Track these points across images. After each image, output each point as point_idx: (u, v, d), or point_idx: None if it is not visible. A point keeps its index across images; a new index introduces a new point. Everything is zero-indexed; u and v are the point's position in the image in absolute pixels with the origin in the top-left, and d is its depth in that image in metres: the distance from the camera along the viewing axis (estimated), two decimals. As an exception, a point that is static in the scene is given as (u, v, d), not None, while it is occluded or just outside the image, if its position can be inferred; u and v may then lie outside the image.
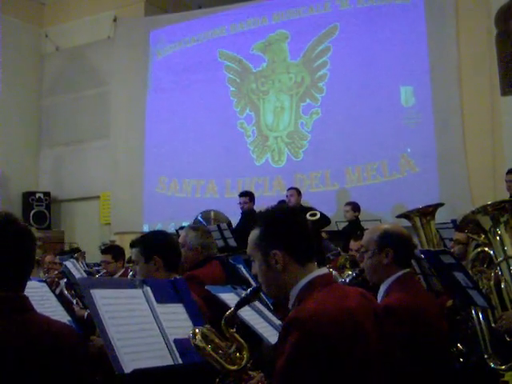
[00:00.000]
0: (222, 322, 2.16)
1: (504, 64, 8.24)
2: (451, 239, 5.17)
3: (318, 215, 8.07)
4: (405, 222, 5.08)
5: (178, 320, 2.41)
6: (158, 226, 10.22)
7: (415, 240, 4.47)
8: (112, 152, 11.68)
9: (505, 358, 3.26)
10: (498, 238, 3.38)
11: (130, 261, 5.81)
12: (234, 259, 4.44)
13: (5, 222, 1.81)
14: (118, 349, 2.09)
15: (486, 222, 3.42)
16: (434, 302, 3.30)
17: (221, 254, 7.04)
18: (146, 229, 10.60)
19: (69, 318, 3.65)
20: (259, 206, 8.69)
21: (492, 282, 3.52)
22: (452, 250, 4.53)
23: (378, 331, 2.07)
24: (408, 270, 2.98)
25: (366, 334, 1.99)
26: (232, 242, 7.80)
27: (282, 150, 9.99)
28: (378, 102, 9.12)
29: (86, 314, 4.65)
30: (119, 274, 5.57)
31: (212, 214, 9.20)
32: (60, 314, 3.60)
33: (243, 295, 2.25)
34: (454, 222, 5.60)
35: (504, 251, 3.35)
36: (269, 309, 3.34)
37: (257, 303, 3.11)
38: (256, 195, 8.91)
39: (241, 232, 7.97)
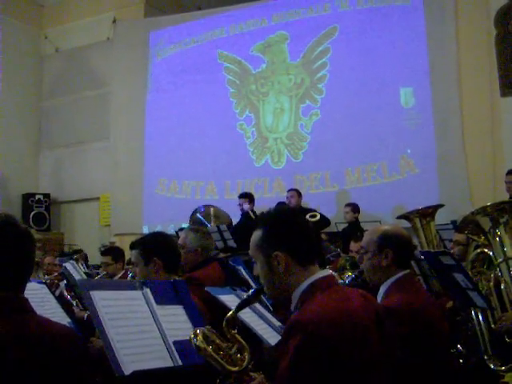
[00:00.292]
0: (224, 322, 2.16)
1: (503, 65, 8.24)
2: (451, 240, 5.17)
3: (318, 217, 8.07)
4: (405, 223, 5.09)
5: (177, 322, 2.41)
6: (158, 228, 10.20)
7: (415, 241, 4.48)
8: (112, 153, 11.69)
9: (505, 359, 3.27)
10: (497, 238, 3.38)
11: (129, 262, 5.81)
12: (234, 261, 4.44)
13: (5, 224, 1.81)
14: (117, 350, 2.09)
15: (485, 222, 3.42)
16: (434, 303, 3.30)
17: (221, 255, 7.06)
18: (145, 230, 10.60)
19: (69, 320, 3.65)
20: (259, 207, 8.71)
21: (492, 283, 3.53)
22: (452, 251, 4.53)
23: (380, 333, 2.07)
24: (408, 271, 2.97)
25: (368, 336, 1.99)
26: (232, 243, 7.80)
27: (282, 151, 9.99)
28: (378, 103, 9.11)
29: (85, 315, 4.65)
30: (119, 275, 5.56)
31: (212, 210, 9.19)
32: (60, 316, 3.60)
33: (245, 296, 2.25)
34: (453, 223, 5.60)
35: (504, 252, 3.36)
36: (268, 310, 3.33)
37: (257, 305, 3.11)
38: (256, 197, 8.90)
39: (240, 233, 7.98)
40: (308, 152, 9.74)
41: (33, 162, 12.73)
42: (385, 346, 2.07)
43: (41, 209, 11.98)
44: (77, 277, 5.13)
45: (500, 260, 3.38)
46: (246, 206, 8.59)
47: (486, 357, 3.35)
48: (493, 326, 3.39)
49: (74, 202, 12.30)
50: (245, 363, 2.14)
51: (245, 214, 8.61)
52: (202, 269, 4.10)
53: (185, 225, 8.47)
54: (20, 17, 12.48)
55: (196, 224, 8.72)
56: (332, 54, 9.69)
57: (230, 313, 2.19)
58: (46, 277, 6.26)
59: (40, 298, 3.60)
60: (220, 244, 7.73)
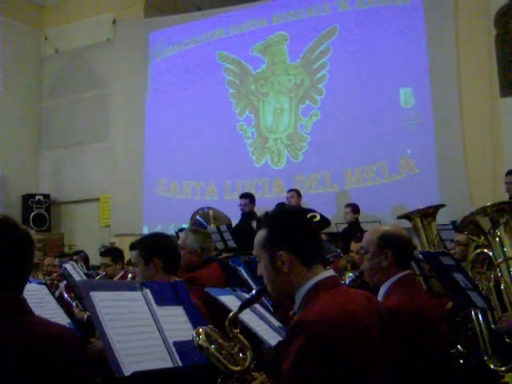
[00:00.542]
0: (226, 322, 2.16)
1: (503, 65, 8.24)
2: (451, 240, 5.17)
3: (318, 217, 8.07)
4: (404, 224, 5.09)
5: (177, 322, 2.41)
6: (158, 228, 10.21)
7: (415, 241, 4.48)
8: (112, 154, 11.69)
9: (505, 360, 3.27)
10: (497, 239, 3.38)
11: (129, 263, 5.81)
12: (234, 261, 4.44)
13: (4, 225, 1.81)
14: (117, 351, 2.09)
15: (485, 223, 3.42)
16: (434, 303, 3.29)
17: (221, 255, 7.06)
18: (145, 231, 10.60)
19: (68, 321, 3.65)
20: (259, 207, 8.72)
21: (492, 284, 3.52)
22: (453, 252, 4.53)
23: (383, 334, 2.07)
24: (408, 271, 2.98)
25: (371, 337, 2.00)
26: (232, 244, 7.80)
27: (282, 151, 9.99)
28: (378, 103, 9.12)
29: (85, 316, 4.65)
30: (118, 276, 5.56)
31: (211, 212, 9.20)
32: (60, 317, 3.61)
33: (248, 296, 2.25)
34: (453, 223, 5.59)
35: (504, 252, 3.35)
36: (268, 311, 3.33)
37: (257, 305, 3.11)
38: (256, 197, 8.92)
39: (241, 233, 7.98)
40: (308, 152, 9.74)
41: (33, 162, 12.74)
42: (387, 347, 2.07)
43: (41, 210, 11.98)
44: (77, 278, 5.13)
45: (500, 260, 3.38)
46: (245, 209, 8.61)
47: (486, 357, 3.35)
48: (493, 326, 3.39)
49: (74, 202, 12.30)
50: (247, 363, 2.13)
51: (244, 215, 8.62)
52: (202, 269, 4.11)
53: (185, 225, 8.47)
54: (20, 17, 12.48)
55: (196, 225, 8.74)
56: (332, 55, 9.69)
57: (233, 312, 2.19)
58: (46, 277, 6.26)
59: (40, 298, 3.60)
60: (220, 245, 7.74)
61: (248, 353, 2.15)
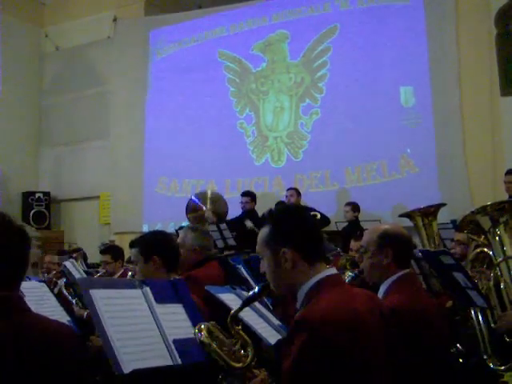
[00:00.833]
0: (228, 319, 2.17)
1: (504, 64, 8.24)
2: (451, 239, 5.18)
3: (318, 216, 8.07)
4: (404, 222, 5.09)
5: (177, 320, 2.41)
6: (158, 226, 10.22)
7: (415, 240, 4.48)
8: (112, 152, 11.69)
9: (504, 359, 3.26)
10: (497, 238, 3.38)
11: (129, 261, 5.81)
12: (234, 259, 4.44)
13: (-2, 222, 1.80)
14: (117, 349, 2.09)
15: (485, 222, 3.42)
16: (434, 302, 3.29)
17: (221, 253, 7.05)
18: (145, 229, 10.60)
19: (68, 318, 3.65)
20: (259, 206, 8.72)
21: (491, 283, 3.52)
22: (453, 251, 4.53)
23: (384, 333, 2.08)
24: (408, 270, 2.97)
25: (372, 335, 2.00)
26: (231, 242, 7.81)
27: (282, 150, 9.99)
28: (378, 102, 9.12)
29: (85, 314, 4.65)
30: (118, 274, 5.56)
31: (209, 192, 9.21)
32: (60, 314, 3.60)
33: (251, 293, 2.25)
34: (453, 222, 5.60)
35: (503, 252, 3.35)
36: (268, 309, 3.33)
37: (256, 303, 3.11)
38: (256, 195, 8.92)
39: (241, 232, 7.99)
40: (308, 151, 9.74)
41: (33, 160, 12.73)
42: (388, 345, 2.08)
43: (41, 207, 11.98)
44: (76, 275, 5.13)
45: (500, 259, 3.38)
46: (246, 207, 8.61)
47: (485, 356, 3.34)
48: (492, 325, 3.39)
49: (74, 200, 12.29)
50: (248, 359, 2.14)
51: (245, 213, 8.62)
52: (201, 267, 4.11)
53: (185, 223, 8.48)
54: (20, 15, 12.47)
55: (190, 206, 8.77)
56: (332, 53, 9.69)
57: (236, 309, 2.19)
58: (46, 275, 6.26)
59: (39, 296, 3.60)
60: (220, 243, 7.74)
61: (249, 350, 2.16)
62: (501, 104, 8.30)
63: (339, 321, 1.91)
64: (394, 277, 2.88)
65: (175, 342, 2.28)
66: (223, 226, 7.90)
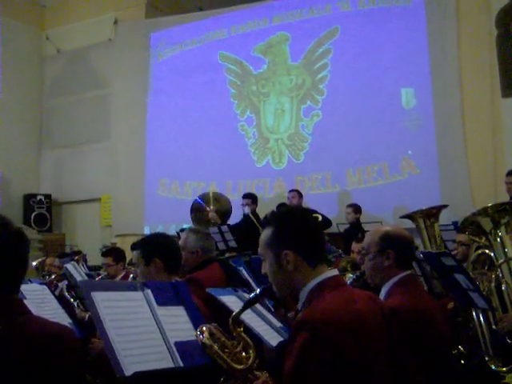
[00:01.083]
0: (230, 320, 2.17)
1: (505, 65, 8.23)
2: (453, 241, 5.18)
3: (320, 218, 8.06)
4: (406, 224, 5.09)
5: (178, 323, 2.40)
6: (159, 228, 10.22)
7: (417, 242, 4.48)
8: (113, 154, 11.70)
9: (506, 360, 3.26)
10: (498, 239, 3.38)
11: (130, 263, 5.81)
12: (235, 261, 4.44)
13: (-4, 225, 1.80)
14: (118, 351, 2.09)
15: (486, 223, 3.41)
16: (436, 303, 3.29)
17: (222, 255, 7.06)
18: (147, 231, 10.61)
19: (70, 321, 3.65)
20: (260, 207, 8.72)
21: (493, 284, 3.52)
22: (455, 252, 4.53)
23: (385, 334, 2.08)
24: (409, 271, 2.97)
25: (374, 336, 2.00)
26: (233, 244, 7.80)
27: (283, 152, 9.99)
28: (379, 103, 9.12)
29: (86, 316, 4.65)
30: (120, 276, 5.56)
31: (211, 193, 9.23)
32: (61, 317, 3.61)
33: (252, 294, 2.26)
34: (455, 223, 5.59)
35: (505, 253, 3.35)
36: (269, 311, 3.33)
37: (257, 305, 3.11)
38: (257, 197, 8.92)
39: (243, 234, 7.98)
40: (309, 153, 9.75)
41: (34, 162, 12.75)
42: (390, 346, 2.08)
43: (42, 210, 11.99)
44: (78, 278, 5.13)
45: (501, 261, 3.37)
46: (247, 209, 8.60)
47: (487, 358, 3.34)
48: (494, 326, 3.38)
49: (76, 202, 12.31)
50: (250, 361, 2.14)
51: (245, 217, 8.62)
52: (203, 270, 4.10)
53: (186, 225, 8.47)
54: (21, 17, 12.50)
55: (195, 207, 8.78)
56: (333, 55, 9.70)
57: (238, 310, 2.19)
58: (47, 277, 6.27)
59: (41, 298, 3.60)
60: (221, 245, 7.74)
61: (251, 351, 2.16)
62: (502, 105, 8.30)
63: (341, 321, 1.91)
64: (396, 278, 2.88)
65: (177, 344, 2.27)
66: (224, 228, 7.89)
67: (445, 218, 5.70)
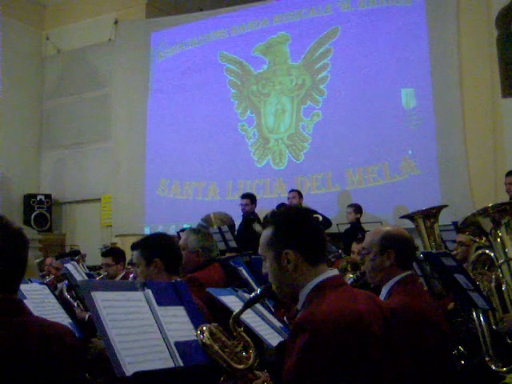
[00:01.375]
0: (230, 320, 2.17)
1: (505, 66, 8.23)
2: (453, 241, 5.18)
3: (320, 218, 8.06)
4: (406, 224, 5.09)
5: (179, 323, 2.40)
6: (160, 229, 10.23)
7: (417, 242, 4.48)
8: (113, 154, 11.70)
9: (506, 360, 3.26)
10: (498, 240, 3.38)
11: (131, 263, 5.81)
12: (235, 261, 4.44)
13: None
14: (118, 351, 2.09)
15: (486, 224, 3.42)
16: (436, 304, 3.29)
17: (223, 255, 7.06)
18: (147, 231, 10.61)
19: (70, 321, 3.65)
20: (260, 208, 8.72)
21: (493, 284, 3.52)
22: (455, 252, 4.53)
23: (386, 334, 2.08)
24: (410, 272, 2.97)
25: (374, 336, 2.00)
26: (233, 244, 7.80)
27: (283, 152, 9.99)
28: (379, 104, 9.11)
29: (86, 316, 4.65)
30: (120, 276, 5.57)
31: (211, 216, 9.21)
32: (61, 317, 3.60)
33: (253, 294, 2.25)
34: (455, 224, 5.59)
35: (505, 253, 3.36)
36: (270, 311, 3.33)
37: (258, 306, 3.11)
38: (257, 197, 8.91)
39: (242, 237, 7.99)
40: (309, 153, 9.74)
41: (34, 162, 12.74)
42: (390, 347, 2.08)
43: (42, 210, 11.99)
44: (78, 278, 5.13)
45: (501, 261, 3.38)
46: (246, 209, 8.60)
47: (487, 358, 3.34)
48: (494, 327, 3.39)
49: (76, 202, 12.31)
50: (250, 361, 2.14)
51: (244, 217, 8.61)
52: (203, 270, 4.10)
53: (186, 225, 8.47)
54: (21, 18, 12.50)
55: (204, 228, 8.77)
56: (333, 55, 9.69)
57: (238, 310, 2.19)
58: (47, 277, 6.27)
59: (41, 298, 3.60)
60: (222, 245, 7.74)
61: (251, 351, 2.16)
62: (502, 105, 8.30)
63: (341, 321, 1.91)
64: (396, 278, 2.88)
65: (177, 344, 2.27)
66: (225, 228, 7.89)
67: (445, 218, 5.70)
